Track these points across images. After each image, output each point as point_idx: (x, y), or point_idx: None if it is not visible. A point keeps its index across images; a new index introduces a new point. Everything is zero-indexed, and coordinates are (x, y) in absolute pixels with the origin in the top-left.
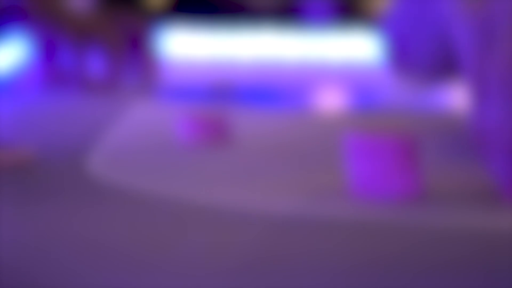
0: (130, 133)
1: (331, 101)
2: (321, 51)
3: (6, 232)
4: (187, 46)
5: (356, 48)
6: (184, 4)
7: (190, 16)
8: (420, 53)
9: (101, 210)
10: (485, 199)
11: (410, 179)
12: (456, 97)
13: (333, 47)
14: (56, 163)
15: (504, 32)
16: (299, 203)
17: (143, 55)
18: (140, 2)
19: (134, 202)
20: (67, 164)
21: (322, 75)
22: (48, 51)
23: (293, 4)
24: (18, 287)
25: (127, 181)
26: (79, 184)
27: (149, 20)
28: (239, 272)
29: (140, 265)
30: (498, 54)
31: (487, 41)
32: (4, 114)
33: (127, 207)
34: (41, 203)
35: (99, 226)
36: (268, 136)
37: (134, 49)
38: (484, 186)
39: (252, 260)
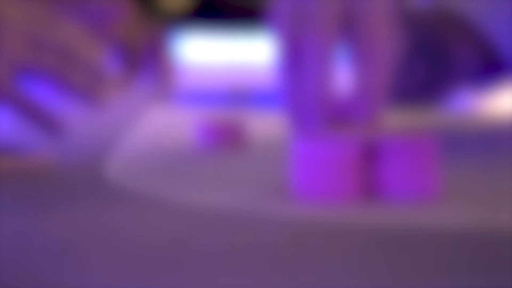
0: (147, 138)
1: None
2: None
3: (24, 237)
4: (204, 50)
5: None
6: (203, 10)
7: (207, 21)
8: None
9: (119, 214)
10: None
11: (427, 180)
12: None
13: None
14: (73, 168)
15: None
16: (319, 207)
17: (160, 60)
18: (158, 6)
19: (152, 206)
20: (85, 170)
21: (336, 79)
22: None
23: None
24: None
25: (144, 186)
26: (97, 190)
27: (166, 25)
28: (257, 274)
29: (160, 268)
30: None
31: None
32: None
33: (145, 211)
34: (59, 208)
35: (117, 229)
36: (285, 140)
37: (151, 53)
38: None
39: (271, 261)
